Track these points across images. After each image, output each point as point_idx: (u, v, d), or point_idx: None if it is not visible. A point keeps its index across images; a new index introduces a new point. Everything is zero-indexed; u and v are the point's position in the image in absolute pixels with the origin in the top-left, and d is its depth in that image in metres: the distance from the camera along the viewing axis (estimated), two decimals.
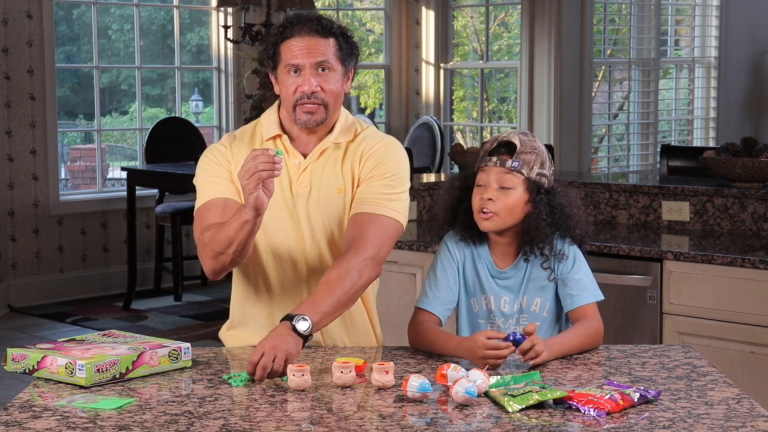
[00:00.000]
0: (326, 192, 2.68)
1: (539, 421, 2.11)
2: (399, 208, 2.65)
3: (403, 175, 2.69)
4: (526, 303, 2.74)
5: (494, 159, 2.67)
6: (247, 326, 2.78)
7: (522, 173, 2.66)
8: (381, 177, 2.66)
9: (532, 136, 2.72)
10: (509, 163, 2.66)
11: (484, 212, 2.67)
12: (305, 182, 2.68)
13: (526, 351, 2.46)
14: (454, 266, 2.76)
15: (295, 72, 2.62)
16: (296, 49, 2.61)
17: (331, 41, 2.63)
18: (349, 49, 2.67)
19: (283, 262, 2.71)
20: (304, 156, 2.70)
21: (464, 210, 2.73)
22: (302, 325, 2.40)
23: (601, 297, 2.73)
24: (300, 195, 2.68)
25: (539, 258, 2.70)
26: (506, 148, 2.68)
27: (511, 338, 2.45)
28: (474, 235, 2.75)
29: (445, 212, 2.78)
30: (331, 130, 2.71)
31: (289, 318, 2.41)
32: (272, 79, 2.71)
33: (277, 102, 2.76)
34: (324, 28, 2.63)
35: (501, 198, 2.66)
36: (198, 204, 2.68)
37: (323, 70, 2.62)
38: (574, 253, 2.73)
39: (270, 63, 2.68)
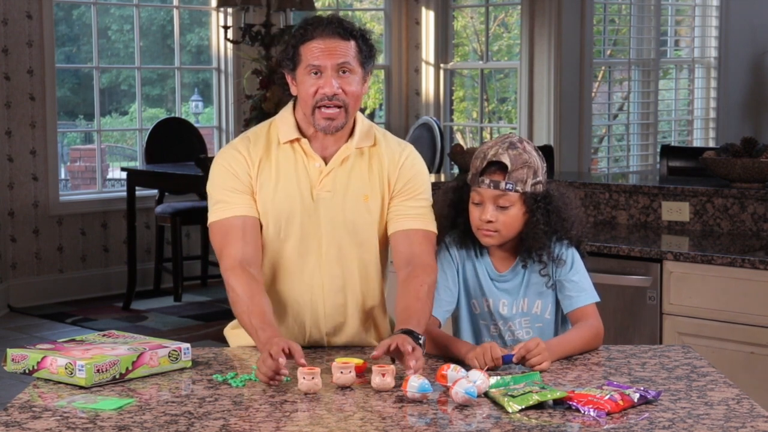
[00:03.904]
0: (352, 198, 2.69)
1: (539, 421, 2.11)
2: (434, 220, 2.75)
3: (429, 185, 2.79)
4: (527, 305, 2.73)
5: (486, 181, 2.64)
6: None
7: (517, 191, 2.65)
8: (417, 192, 2.73)
9: (520, 144, 2.66)
10: (503, 185, 2.63)
11: (484, 231, 2.67)
12: (328, 186, 2.68)
13: (523, 356, 2.46)
14: (454, 268, 2.75)
15: (316, 74, 2.61)
16: (317, 51, 2.60)
17: (352, 43, 2.63)
18: (368, 52, 2.67)
19: (295, 268, 2.71)
20: (324, 159, 2.70)
21: (462, 223, 2.73)
22: (424, 345, 2.47)
23: (597, 299, 2.74)
24: (322, 199, 2.68)
25: (538, 264, 2.70)
26: (497, 167, 2.64)
27: (507, 359, 2.46)
28: (474, 242, 2.74)
29: (443, 228, 2.77)
30: (351, 134, 2.71)
31: (408, 333, 2.44)
32: (289, 81, 2.70)
33: (291, 103, 2.74)
34: (345, 30, 2.63)
35: (500, 217, 2.65)
36: (214, 217, 2.68)
37: (344, 72, 2.62)
38: (572, 255, 2.73)
39: (289, 64, 2.67)
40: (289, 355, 2.35)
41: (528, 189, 2.64)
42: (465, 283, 2.76)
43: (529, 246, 2.67)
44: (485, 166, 2.65)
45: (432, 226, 2.73)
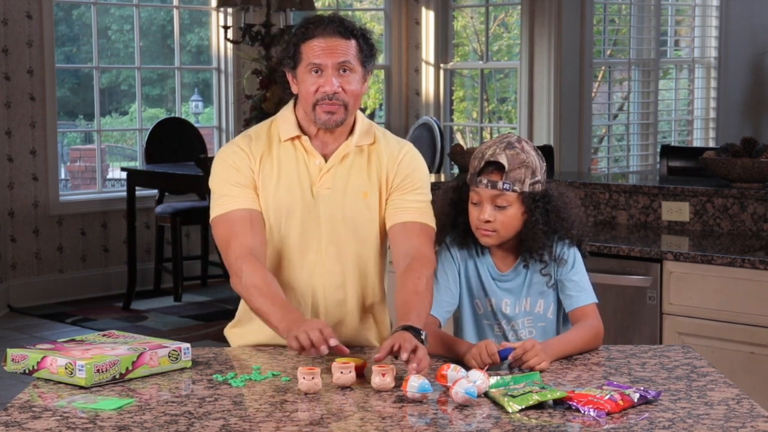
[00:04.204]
0: (351, 195, 2.70)
1: (539, 421, 2.11)
2: (433, 216, 2.75)
3: (428, 182, 2.79)
4: (529, 305, 2.74)
5: (484, 181, 2.65)
6: (251, 325, 2.77)
7: (515, 191, 2.65)
8: (415, 187, 2.73)
9: (518, 143, 2.66)
10: (500, 184, 2.63)
11: (483, 230, 2.67)
12: (327, 183, 2.69)
13: (519, 357, 2.46)
14: (455, 268, 2.75)
15: (317, 72, 2.62)
16: (318, 50, 2.61)
17: (353, 42, 2.64)
18: (369, 51, 2.68)
19: (295, 263, 2.72)
20: (324, 156, 2.70)
21: (462, 223, 2.73)
22: (426, 340, 2.45)
23: (596, 299, 2.74)
24: (321, 196, 2.69)
25: (539, 264, 2.70)
26: (494, 167, 2.64)
27: (504, 354, 2.46)
28: (474, 242, 2.74)
29: (443, 228, 2.78)
30: (351, 132, 2.72)
31: (409, 329, 2.43)
32: (290, 79, 2.71)
33: (292, 101, 2.75)
34: (346, 29, 2.63)
35: (498, 217, 2.65)
36: (218, 210, 2.68)
37: (344, 71, 2.62)
38: (573, 255, 2.73)
39: (290, 62, 2.68)
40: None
41: (526, 189, 2.64)
42: (467, 282, 2.76)
43: (529, 246, 2.67)
44: (483, 166, 2.65)
45: (430, 221, 2.73)
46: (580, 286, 2.71)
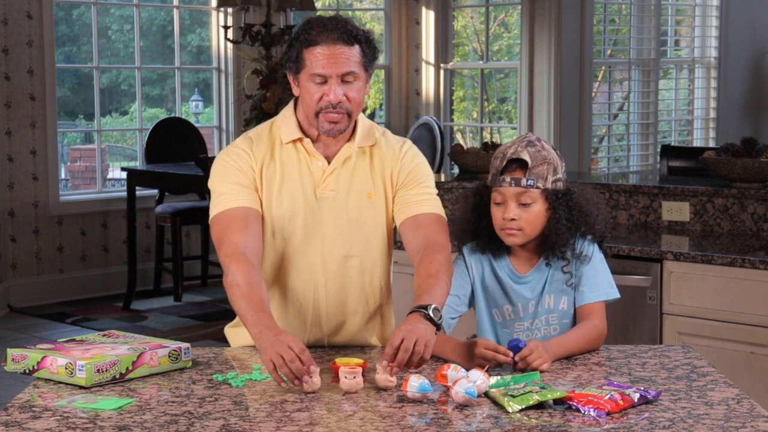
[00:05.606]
0: (355, 196, 2.70)
1: (539, 421, 2.11)
2: (441, 207, 2.76)
3: (432, 175, 2.80)
4: (553, 302, 2.73)
5: (508, 179, 2.66)
6: None
7: (539, 187, 2.65)
8: (420, 181, 2.73)
9: (538, 142, 2.69)
10: (524, 182, 2.64)
11: (508, 230, 2.67)
12: (331, 186, 2.69)
13: (524, 357, 2.46)
14: (468, 279, 2.76)
15: (321, 81, 2.60)
16: (322, 58, 2.58)
17: (356, 48, 2.61)
18: (372, 55, 2.66)
19: (300, 266, 2.71)
20: (326, 158, 2.70)
21: (485, 226, 2.74)
22: (436, 314, 2.42)
23: (615, 295, 2.73)
24: (325, 198, 2.68)
25: (561, 261, 2.70)
26: (517, 164, 2.66)
27: (513, 344, 2.46)
28: (500, 246, 2.75)
29: (464, 232, 2.78)
30: (353, 134, 2.72)
31: (419, 308, 2.43)
32: (291, 80, 2.69)
33: (292, 102, 2.74)
34: (350, 35, 2.60)
35: (522, 215, 2.66)
36: (217, 209, 2.65)
37: (348, 80, 2.60)
38: (592, 251, 2.73)
39: (292, 67, 2.65)
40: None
41: (549, 185, 2.66)
42: (485, 292, 2.76)
43: (552, 243, 2.67)
44: (505, 165, 2.67)
45: (440, 211, 2.73)
46: (592, 282, 2.71)
